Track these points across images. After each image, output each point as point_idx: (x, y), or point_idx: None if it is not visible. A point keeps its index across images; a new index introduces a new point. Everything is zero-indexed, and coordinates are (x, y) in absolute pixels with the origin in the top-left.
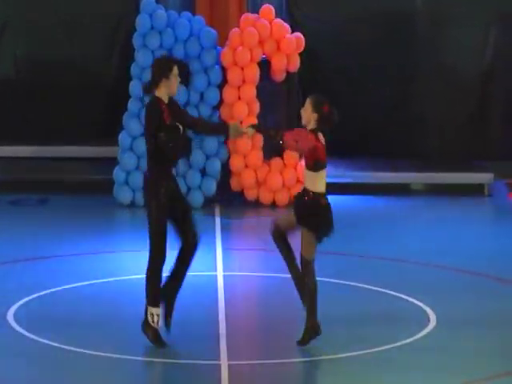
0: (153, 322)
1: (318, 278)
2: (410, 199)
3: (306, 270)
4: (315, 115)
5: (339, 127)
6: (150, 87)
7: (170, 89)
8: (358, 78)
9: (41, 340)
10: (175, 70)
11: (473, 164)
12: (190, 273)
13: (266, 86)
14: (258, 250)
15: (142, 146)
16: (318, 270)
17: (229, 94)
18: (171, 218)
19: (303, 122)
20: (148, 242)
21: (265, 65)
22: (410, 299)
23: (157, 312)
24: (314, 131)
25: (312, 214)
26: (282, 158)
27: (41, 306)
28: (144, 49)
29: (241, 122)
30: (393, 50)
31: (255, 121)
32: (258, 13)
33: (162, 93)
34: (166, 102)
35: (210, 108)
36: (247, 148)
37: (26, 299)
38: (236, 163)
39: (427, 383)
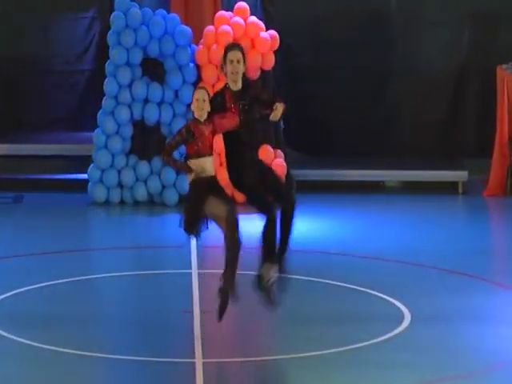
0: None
1: (295, 276)
2: (383, 197)
3: None
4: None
5: (313, 125)
6: None
7: None
8: (333, 76)
9: (15, 338)
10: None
11: (447, 162)
12: (164, 270)
13: None
14: None
15: (116, 143)
16: (296, 268)
17: None
18: None
19: (201, 113)
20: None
21: None
22: (385, 297)
23: None
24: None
25: None
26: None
27: (15, 304)
28: (118, 47)
29: None
30: (367, 48)
31: None
32: (232, 11)
33: None
34: None
35: (184, 106)
36: (222, 146)
37: (0, 298)
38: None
39: (399, 381)
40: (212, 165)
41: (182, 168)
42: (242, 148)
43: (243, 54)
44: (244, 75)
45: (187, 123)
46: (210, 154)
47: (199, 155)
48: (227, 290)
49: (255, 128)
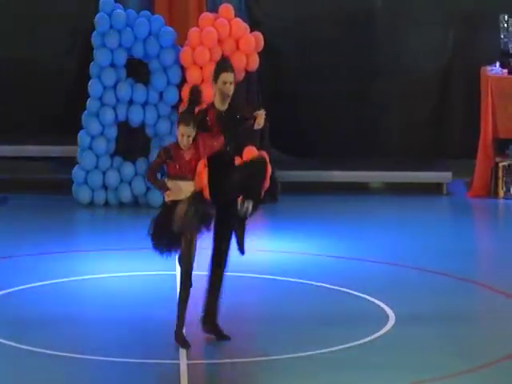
0: None
1: (279, 278)
2: (368, 198)
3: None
4: None
5: (298, 126)
6: None
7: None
8: (318, 77)
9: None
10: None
11: (431, 163)
12: (149, 272)
13: None
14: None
15: (100, 145)
16: (279, 269)
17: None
18: None
19: (186, 146)
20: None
21: None
22: (369, 298)
23: None
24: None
25: None
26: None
27: (0, 306)
28: (103, 48)
29: None
30: (353, 48)
31: None
32: (217, 12)
33: None
34: None
35: (169, 107)
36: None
37: None
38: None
39: (384, 382)
40: (191, 189)
41: (160, 186)
42: (224, 168)
43: (234, 74)
44: (232, 95)
45: (167, 145)
46: (192, 179)
47: (180, 178)
48: (178, 337)
49: (239, 147)
